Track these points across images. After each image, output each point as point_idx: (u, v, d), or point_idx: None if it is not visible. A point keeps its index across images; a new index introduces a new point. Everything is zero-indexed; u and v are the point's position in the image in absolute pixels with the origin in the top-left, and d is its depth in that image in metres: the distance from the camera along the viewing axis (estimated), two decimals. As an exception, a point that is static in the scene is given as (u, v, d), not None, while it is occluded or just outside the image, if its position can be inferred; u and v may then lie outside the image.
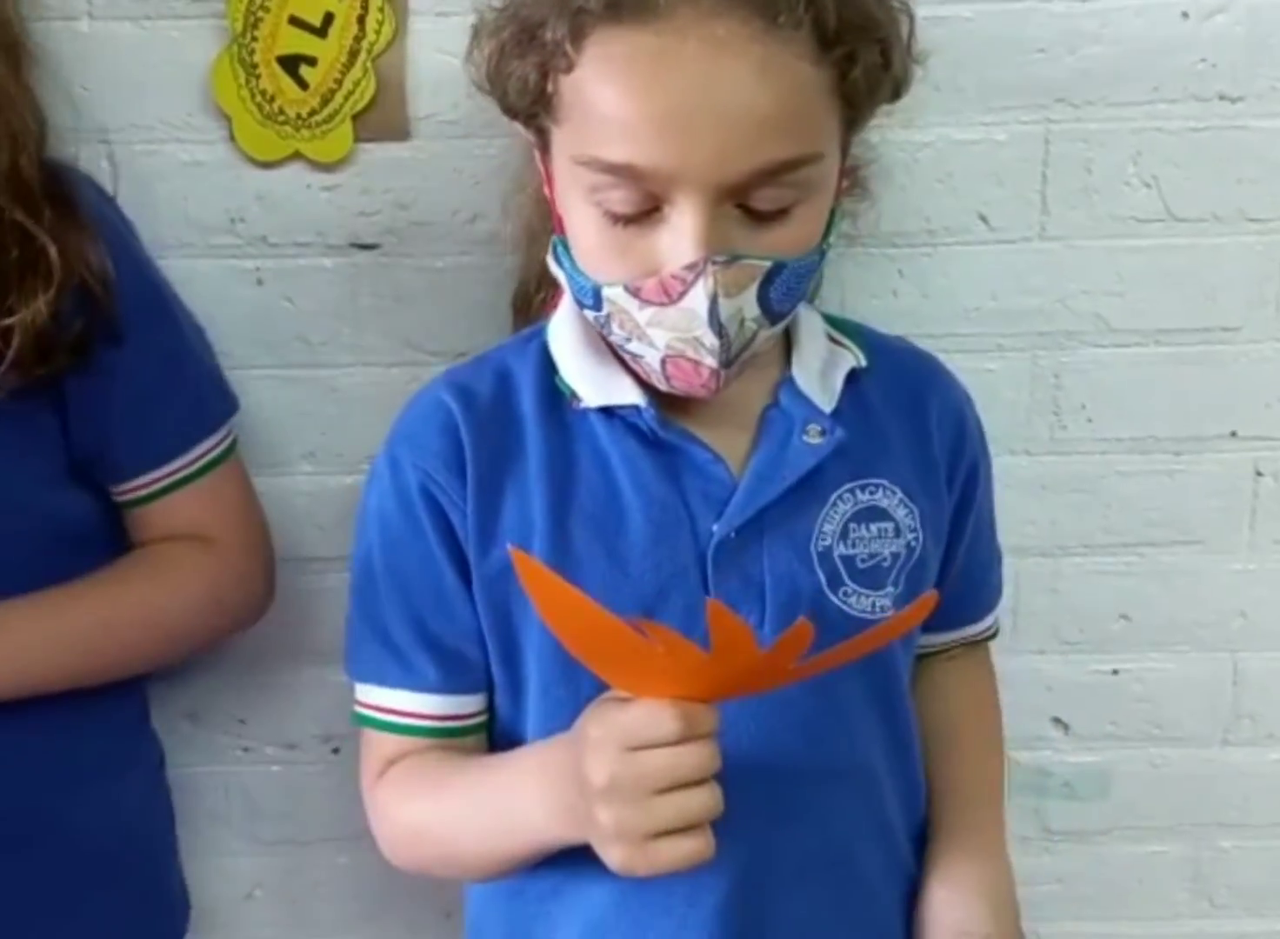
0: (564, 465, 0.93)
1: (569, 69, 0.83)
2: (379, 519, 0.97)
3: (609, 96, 0.81)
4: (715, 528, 0.92)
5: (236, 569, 1.13)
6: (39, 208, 0.99)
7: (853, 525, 0.95)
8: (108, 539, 1.11)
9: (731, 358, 0.86)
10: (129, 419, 1.05)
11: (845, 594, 0.94)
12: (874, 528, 0.95)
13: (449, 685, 0.97)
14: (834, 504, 0.94)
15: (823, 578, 0.93)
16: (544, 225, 1.00)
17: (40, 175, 1.01)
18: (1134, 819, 1.32)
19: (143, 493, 1.09)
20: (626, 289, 0.85)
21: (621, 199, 0.83)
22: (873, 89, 0.87)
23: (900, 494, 0.96)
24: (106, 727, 1.11)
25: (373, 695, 0.98)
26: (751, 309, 0.85)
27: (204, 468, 1.10)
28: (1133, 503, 1.24)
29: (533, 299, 1.09)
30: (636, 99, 0.80)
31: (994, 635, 1.13)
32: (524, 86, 0.86)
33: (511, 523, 0.93)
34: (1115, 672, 1.28)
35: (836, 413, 0.95)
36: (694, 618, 0.88)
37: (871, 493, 0.96)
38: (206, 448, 1.10)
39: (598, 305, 0.88)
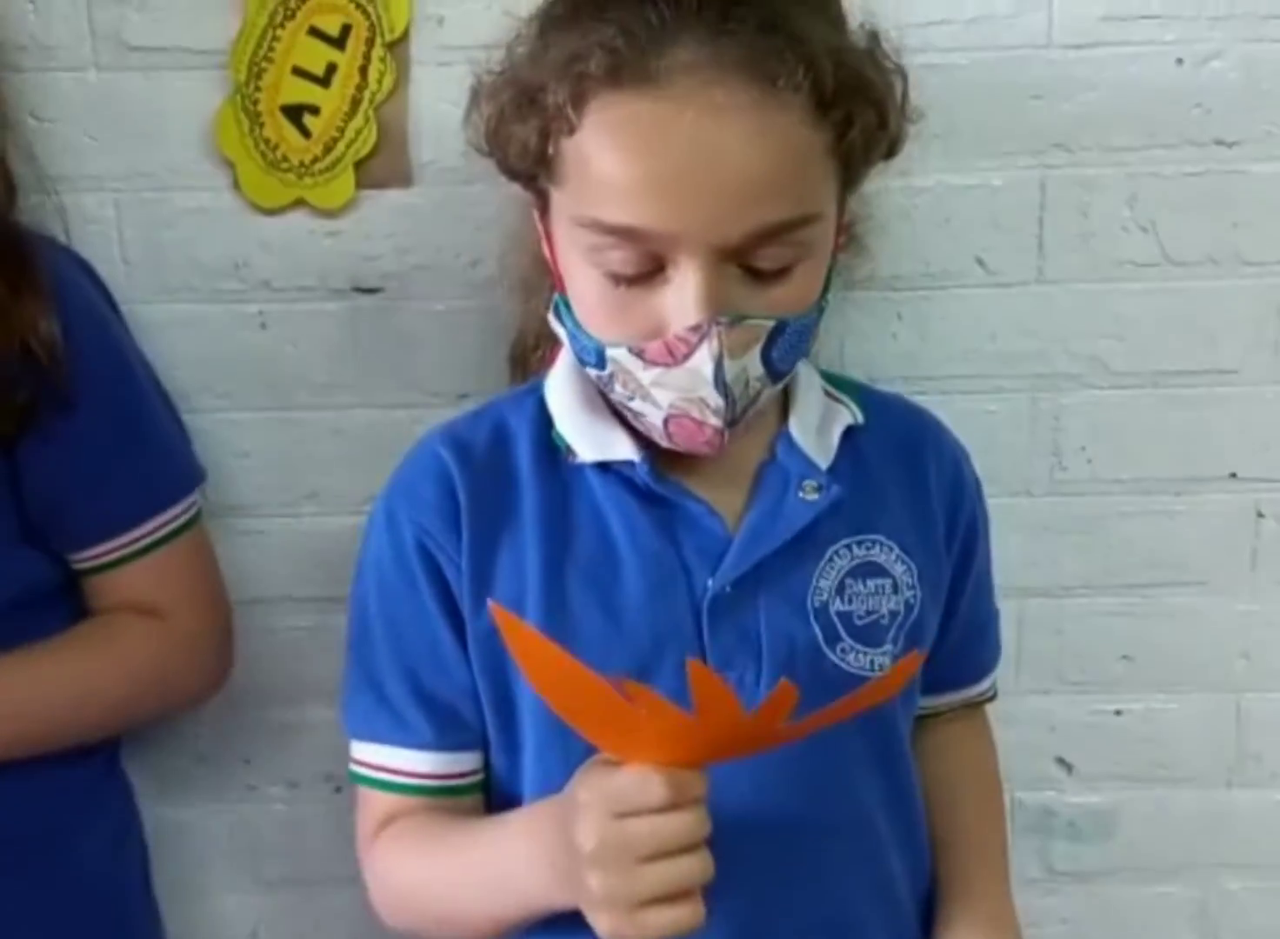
0: (559, 520, 0.93)
1: (570, 132, 0.83)
2: (375, 572, 0.97)
3: (609, 160, 0.81)
4: (710, 582, 0.91)
5: (187, 645, 1.12)
6: None
7: (849, 581, 0.94)
8: (67, 600, 1.10)
9: (736, 418, 0.86)
10: (81, 488, 1.05)
11: (843, 651, 0.93)
12: (871, 584, 0.95)
13: (444, 743, 0.96)
14: (830, 559, 0.94)
15: (819, 633, 0.93)
16: (540, 281, 1.01)
17: None
18: (1139, 860, 1.32)
19: (96, 562, 1.08)
20: (630, 350, 0.85)
21: (622, 260, 0.83)
22: (869, 149, 0.87)
23: (898, 550, 0.96)
24: (58, 794, 1.09)
25: (367, 753, 0.98)
26: (756, 369, 0.85)
27: (159, 541, 1.09)
28: (1134, 544, 1.24)
29: (530, 355, 1.09)
30: (636, 163, 0.81)
31: (993, 698, 1.12)
32: (524, 149, 0.86)
33: (506, 577, 0.93)
34: (1119, 712, 1.28)
35: (833, 469, 0.95)
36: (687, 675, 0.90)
37: (868, 548, 0.95)
38: (162, 521, 1.09)
39: (601, 365, 0.88)
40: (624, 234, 0.82)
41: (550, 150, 0.85)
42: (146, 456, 1.09)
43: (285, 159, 1.13)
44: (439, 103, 1.12)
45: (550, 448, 0.95)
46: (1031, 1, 1.11)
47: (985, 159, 1.14)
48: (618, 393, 0.88)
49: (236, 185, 1.14)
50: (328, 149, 1.13)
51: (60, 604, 1.10)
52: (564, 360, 0.97)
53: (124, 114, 1.13)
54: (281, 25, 1.10)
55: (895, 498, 0.98)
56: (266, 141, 1.12)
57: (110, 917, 1.14)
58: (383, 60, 1.11)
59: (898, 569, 0.96)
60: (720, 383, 0.83)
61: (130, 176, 1.14)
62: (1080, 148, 1.14)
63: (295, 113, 1.12)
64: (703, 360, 0.82)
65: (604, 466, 0.93)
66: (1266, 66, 1.12)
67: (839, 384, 1.01)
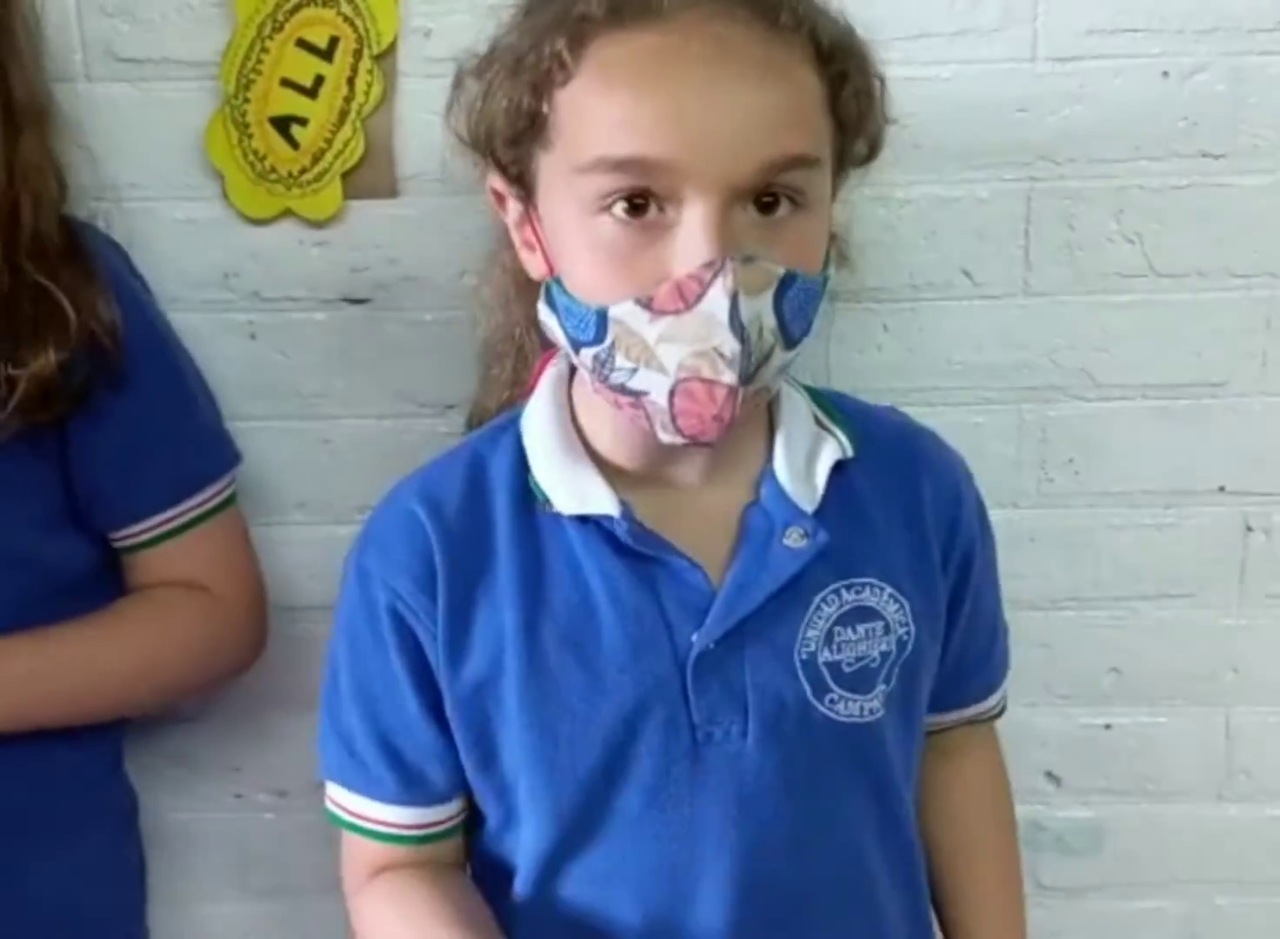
0: (536, 573, 0.91)
1: (566, 81, 0.82)
2: (348, 630, 0.96)
3: (616, 96, 0.80)
4: (695, 638, 0.89)
5: (228, 618, 1.14)
6: (56, 267, 1.01)
7: (838, 629, 0.92)
8: (108, 584, 1.12)
9: (751, 370, 0.81)
10: (125, 465, 1.07)
11: (831, 700, 0.91)
12: (861, 629, 0.92)
13: (411, 799, 0.96)
14: (818, 608, 0.91)
15: (807, 687, 0.91)
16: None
17: (59, 234, 1.03)
18: (1128, 875, 1.31)
19: (138, 539, 1.10)
20: (638, 302, 0.81)
21: (629, 206, 0.80)
22: (861, 118, 0.87)
23: (890, 590, 0.93)
24: (67, 784, 1.11)
25: (342, 797, 0.98)
26: (769, 317, 0.81)
27: (199, 518, 1.11)
28: (1122, 557, 1.24)
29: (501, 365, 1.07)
30: (643, 95, 0.79)
31: (1000, 713, 1.10)
32: (516, 111, 0.84)
33: (483, 639, 0.91)
34: (1108, 726, 1.28)
35: (820, 510, 0.92)
36: (674, 730, 0.90)
37: (858, 592, 0.93)
38: (203, 498, 1.11)
39: (601, 335, 0.83)
40: (634, 167, 0.79)
41: (544, 107, 0.83)
42: (190, 434, 1.12)
43: (273, 170, 1.14)
44: (426, 114, 1.12)
45: (527, 494, 0.92)
46: (1017, 15, 1.11)
47: (970, 171, 1.14)
48: (619, 370, 0.83)
49: (225, 196, 1.15)
50: (315, 160, 1.13)
51: (101, 587, 1.12)
52: (540, 396, 0.95)
53: (113, 125, 1.14)
54: (270, 37, 1.11)
55: (888, 532, 0.95)
56: (255, 152, 1.13)
57: (101, 913, 1.16)
58: (370, 72, 1.12)
59: (890, 609, 0.93)
60: (736, 323, 0.79)
61: (120, 187, 1.15)
62: (1066, 160, 1.14)
63: (283, 124, 1.13)
64: (716, 300, 0.79)
65: (582, 517, 0.90)
66: (1252, 79, 1.12)
67: (831, 410, 0.97)
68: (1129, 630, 1.25)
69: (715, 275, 0.79)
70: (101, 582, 1.12)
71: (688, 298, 0.79)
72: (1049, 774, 1.29)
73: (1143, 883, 1.31)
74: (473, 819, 1.00)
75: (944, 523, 0.98)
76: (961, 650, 1.02)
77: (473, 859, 1.02)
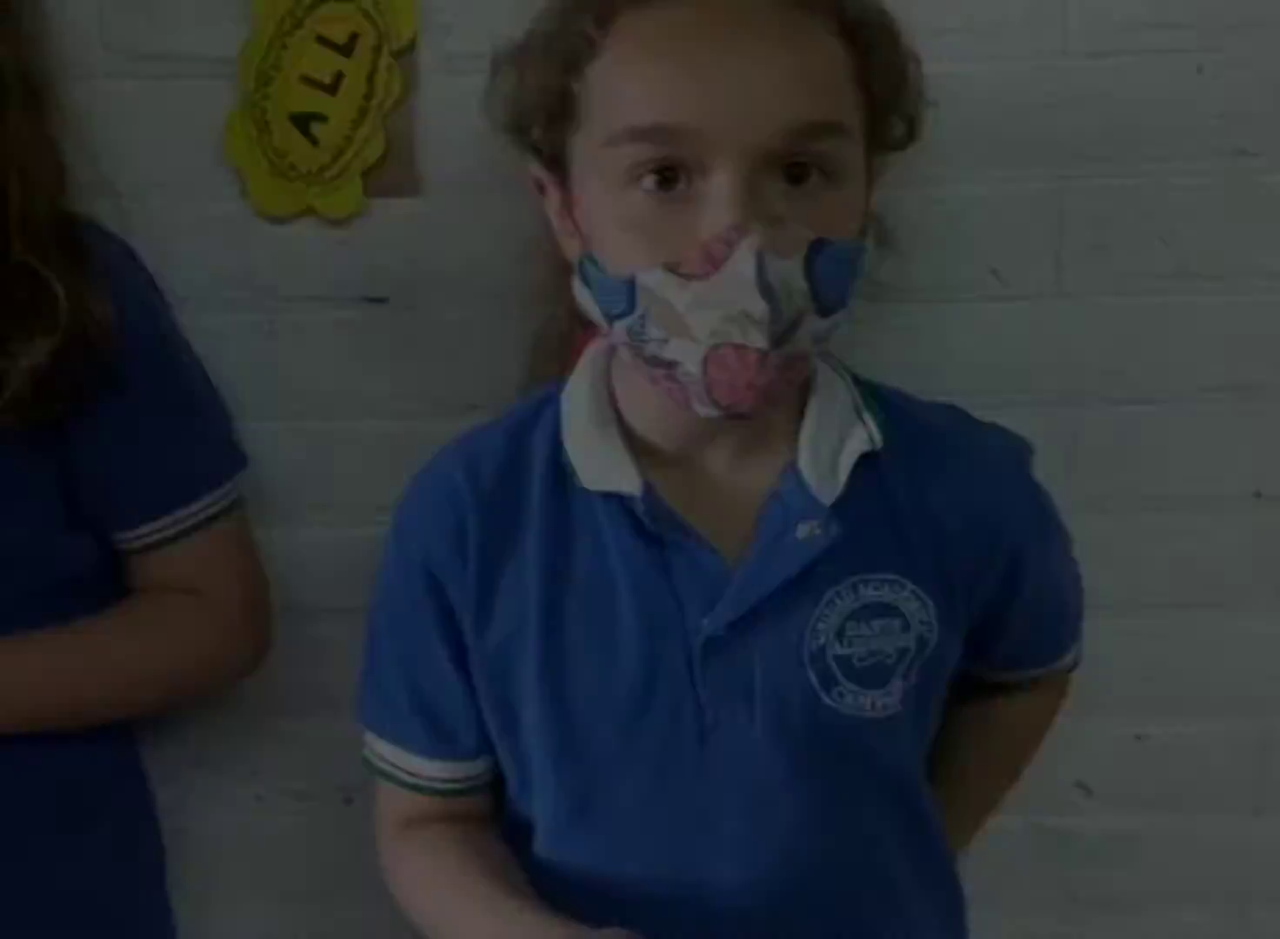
0: (563, 547, 0.93)
1: (594, 58, 0.84)
2: (386, 582, 0.99)
3: (639, 68, 0.82)
4: (705, 622, 0.90)
5: (229, 625, 1.13)
6: (49, 253, 1.01)
7: (851, 624, 0.91)
8: (106, 584, 1.12)
9: (782, 332, 0.81)
10: (126, 469, 1.07)
11: (840, 694, 0.91)
12: (876, 625, 0.92)
13: (440, 753, 0.99)
14: (830, 602, 0.91)
15: (815, 679, 0.91)
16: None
17: (54, 223, 1.03)
18: (1160, 887, 1.28)
19: (140, 543, 1.10)
20: (666, 268, 0.82)
21: (658, 178, 0.82)
22: (894, 93, 0.87)
23: (911, 586, 0.92)
24: (78, 774, 1.11)
25: (376, 743, 1.01)
26: (799, 281, 0.81)
27: (202, 523, 1.11)
28: (1156, 563, 1.21)
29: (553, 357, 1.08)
30: (666, 63, 0.81)
31: (1074, 667, 1.12)
32: (547, 92, 0.86)
33: (508, 604, 0.93)
34: (1139, 736, 1.25)
35: (841, 503, 0.91)
36: (681, 713, 0.91)
37: (876, 588, 0.92)
38: (205, 504, 1.11)
39: (632, 305, 0.84)
40: (659, 136, 0.81)
41: (574, 86, 0.85)
42: (195, 438, 1.12)
43: (293, 167, 1.13)
44: (446, 111, 1.11)
45: (560, 467, 0.94)
46: (1048, 9, 1.10)
47: (1000, 169, 1.13)
48: (651, 341, 0.84)
49: (245, 194, 1.15)
50: (335, 157, 1.13)
51: (100, 587, 1.12)
52: (581, 371, 0.96)
53: (133, 121, 1.14)
54: (289, 34, 1.10)
55: (917, 530, 0.94)
56: (275, 150, 1.13)
57: (121, 903, 1.16)
58: (390, 68, 1.11)
59: (910, 606, 0.93)
60: (764, 281, 0.79)
61: (139, 184, 1.14)
62: (1099, 158, 1.12)
63: (303, 121, 1.12)
64: (743, 259, 0.79)
65: (607, 495, 0.92)
66: (1290, 76, 1.10)
67: (870, 400, 0.96)
68: (1162, 638, 1.23)
69: (741, 237, 0.80)
70: (103, 580, 1.12)
71: (715, 260, 0.80)
72: (1080, 784, 1.27)
73: (1175, 895, 1.28)
74: (501, 778, 1.01)
75: (980, 531, 0.95)
76: (1022, 630, 1.02)
77: (502, 816, 1.03)
